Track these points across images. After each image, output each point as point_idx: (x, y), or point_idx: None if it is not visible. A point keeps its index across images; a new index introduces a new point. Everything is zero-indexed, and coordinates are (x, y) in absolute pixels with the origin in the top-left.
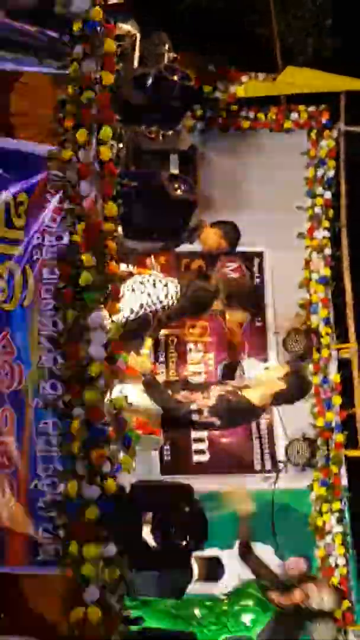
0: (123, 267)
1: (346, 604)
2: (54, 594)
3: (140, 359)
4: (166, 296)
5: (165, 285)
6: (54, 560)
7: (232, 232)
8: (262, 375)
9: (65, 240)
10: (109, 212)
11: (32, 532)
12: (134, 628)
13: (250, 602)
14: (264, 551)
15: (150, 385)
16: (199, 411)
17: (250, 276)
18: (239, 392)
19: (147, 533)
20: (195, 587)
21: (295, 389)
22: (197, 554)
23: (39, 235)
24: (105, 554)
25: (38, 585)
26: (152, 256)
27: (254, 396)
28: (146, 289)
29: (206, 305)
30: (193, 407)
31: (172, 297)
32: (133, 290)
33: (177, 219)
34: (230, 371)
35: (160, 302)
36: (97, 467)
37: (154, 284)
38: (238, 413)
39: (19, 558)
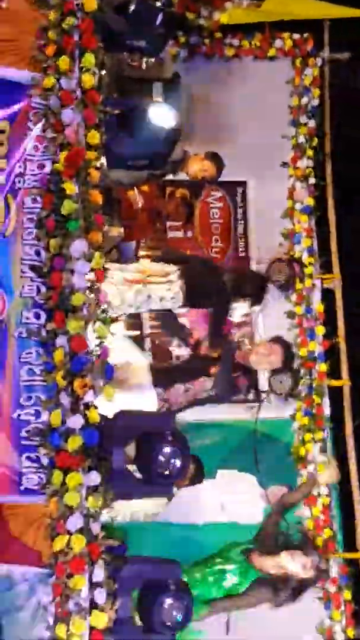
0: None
1: (328, 532)
2: (38, 522)
3: None
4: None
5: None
6: (37, 489)
7: (216, 160)
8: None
9: (48, 168)
10: (91, 140)
11: (15, 462)
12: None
13: (233, 566)
14: (247, 480)
15: None
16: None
17: (235, 217)
18: None
19: (130, 462)
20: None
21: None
22: None
23: (21, 163)
24: (88, 482)
25: (22, 513)
26: (136, 188)
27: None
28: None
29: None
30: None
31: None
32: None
33: (160, 147)
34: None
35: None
36: (81, 397)
37: (161, 299)
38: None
39: (2, 487)
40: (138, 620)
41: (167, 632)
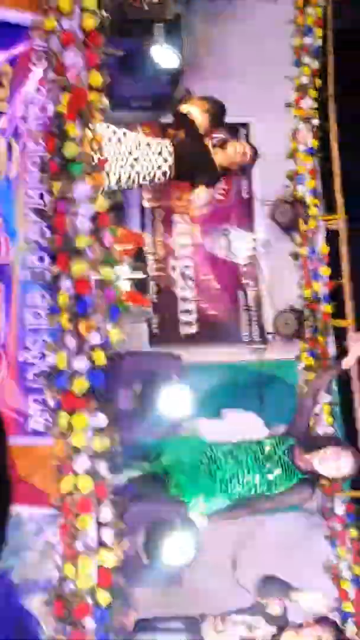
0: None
1: None
2: (45, 463)
3: None
4: (164, 160)
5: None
6: (44, 431)
7: (216, 109)
8: None
9: (50, 111)
10: (93, 82)
11: (22, 404)
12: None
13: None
14: (253, 421)
15: None
16: None
17: None
18: None
19: (136, 403)
20: None
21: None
22: None
23: (24, 106)
24: (95, 424)
25: (29, 455)
26: (138, 126)
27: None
28: (139, 153)
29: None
30: None
31: (168, 161)
32: (119, 142)
33: (162, 88)
34: None
35: (158, 167)
36: (86, 339)
37: (148, 144)
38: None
39: (10, 429)
40: (146, 559)
41: (174, 570)
